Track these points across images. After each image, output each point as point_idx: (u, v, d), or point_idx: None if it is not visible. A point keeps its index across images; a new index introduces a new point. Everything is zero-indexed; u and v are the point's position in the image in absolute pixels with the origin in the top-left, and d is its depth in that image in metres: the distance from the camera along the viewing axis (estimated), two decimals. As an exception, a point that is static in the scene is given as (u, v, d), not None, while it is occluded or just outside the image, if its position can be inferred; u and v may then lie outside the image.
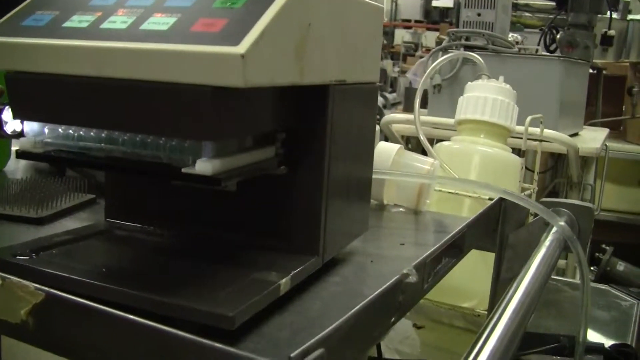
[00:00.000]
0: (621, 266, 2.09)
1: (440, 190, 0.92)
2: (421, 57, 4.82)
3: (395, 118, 1.58)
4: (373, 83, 0.57)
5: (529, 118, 0.91)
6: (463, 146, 0.97)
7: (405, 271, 0.46)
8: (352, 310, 0.41)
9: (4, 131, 0.46)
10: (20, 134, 0.44)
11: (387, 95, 3.91)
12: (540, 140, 0.97)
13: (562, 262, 1.57)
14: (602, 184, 2.07)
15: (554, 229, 0.64)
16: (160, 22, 0.40)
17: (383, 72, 5.48)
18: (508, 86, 0.99)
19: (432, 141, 1.55)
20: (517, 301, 0.54)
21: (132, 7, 0.42)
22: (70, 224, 0.62)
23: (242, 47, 0.36)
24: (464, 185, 0.71)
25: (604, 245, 2.14)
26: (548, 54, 1.93)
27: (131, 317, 0.36)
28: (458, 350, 0.96)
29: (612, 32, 2.46)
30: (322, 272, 0.52)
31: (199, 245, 0.53)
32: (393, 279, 0.46)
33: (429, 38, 7.37)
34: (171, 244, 0.52)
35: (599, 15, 2.30)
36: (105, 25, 0.41)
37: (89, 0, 0.44)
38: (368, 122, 0.58)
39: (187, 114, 0.39)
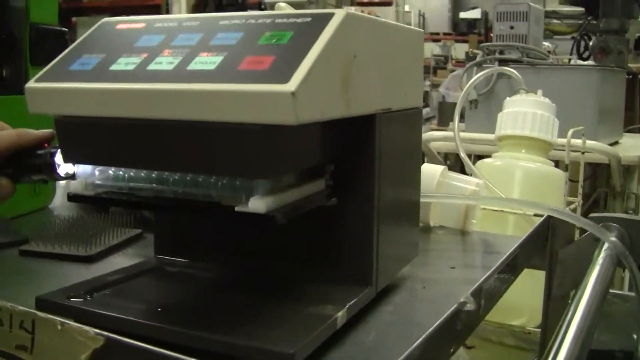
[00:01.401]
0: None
1: (484, 208, 0.91)
2: (452, 70, 4.78)
3: (434, 136, 1.57)
4: (417, 108, 0.57)
5: (570, 131, 0.90)
6: (505, 162, 0.96)
7: (462, 299, 0.45)
8: (415, 343, 0.40)
9: (57, 174, 0.46)
10: (72, 176, 0.44)
11: (420, 110, 3.89)
12: (583, 152, 0.96)
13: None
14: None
15: (606, 245, 0.62)
16: (207, 61, 0.40)
17: (413, 86, 5.44)
18: (547, 100, 0.98)
19: (470, 157, 1.54)
20: (579, 321, 0.53)
21: (178, 47, 0.42)
22: (119, 260, 0.63)
23: (292, 85, 0.36)
24: (511, 204, 0.70)
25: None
26: (584, 63, 1.90)
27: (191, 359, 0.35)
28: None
29: (645, 36, 2.42)
30: (375, 300, 0.51)
31: (250, 278, 0.52)
32: (452, 309, 0.45)
33: (459, 50, 7.34)
34: (222, 279, 0.52)
35: (632, 20, 2.26)
36: (152, 66, 0.41)
37: (135, 41, 0.45)
38: (414, 146, 0.57)
39: (238, 153, 0.39)
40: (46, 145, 0.48)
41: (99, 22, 0.48)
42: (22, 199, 0.76)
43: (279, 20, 0.42)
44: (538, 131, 0.95)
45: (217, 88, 0.38)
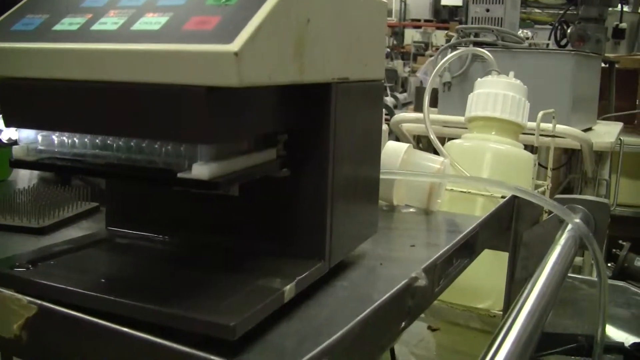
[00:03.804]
0: (639, 262, 2.05)
1: (452, 190, 0.90)
2: (431, 56, 4.79)
3: (405, 117, 1.56)
4: (378, 80, 0.56)
5: (540, 113, 0.89)
6: (474, 144, 0.95)
7: (414, 275, 0.44)
8: (358, 318, 0.39)
9: (0, 140, 0.45)
10: (15, 142, 0.43)
11: (398, 95, 3.88)
12: (553, 136, 0.95)
13: (578, 260, 1.55)
14: (617, 179, 2.04)
15: (569, 227, 0.62)
16: (152, 21, 0.39)
17: (394, 72, 5.46)
18: (518, 81, 0.97)
19: (443, 140, 1.53)
20: (533, 302, 0.53)
21: (124, 8, 0.41)
22: (72, 233, 0.61)
23: (235, 45, 0.34)
24: (475, 184, 0.69)
25: (621, 241, 2.10)
26: (558, 49, 1.89)
27: (125, 329, 0.34)
28: (474, 352, 0.94)
29: (623, 25, 2.43)
30: (330, 276, 0.50)
31: (201, 251, 0.51)
32: (401, 283, 0.44)
33: (439, 37, 7.35)
34: (173, 252, 0.51)
35: (610, 9, 2.27)
36: (96, 27, 0.40)
37: (81, 2, 0.43)
38: (374, 120, 0.56)
39: (181, 117, 0.37)
40: None
41: (46, -16, 0.47)
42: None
43: (230, -18, 0.41)
44: (509, 113, 0.94)
45: (160, 48, 0.36)
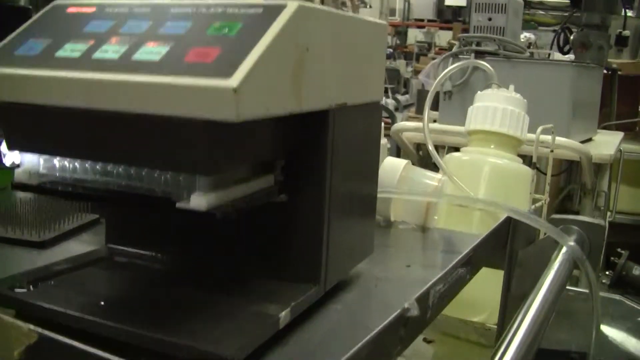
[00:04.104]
0: (637, 270, 2.06)
1: (450, 202, 0.91)
2: (433, 58, 4.78)
3: (406, 126, 1.57)
4: (377, 102, 0.56)
5: (539, 129, 0.90)
6: (472, 157, 0.96)
7: (406, 305, 0.45)
8: (350, 352, 0.39)
9: (3, 163, 0.45)
10: (19, 165, 0.43)
11: (400, 97, 3.88)
12: (552, 150, 0.96)
13: (576, 272, 1.55)
14: (617, 187, 2.04)
15: (564, 249, 0.62)
16: (152, 51, 0.39)
17: (396, 72, 5.46)
18: (518, 95, 0.98)
19: (444, 148, 1.54)
20: (527, 326, 0.53)
21: (126, 35, 0.41)
22: (73, 246, 0.62)
23: (234, 80, 0.35)
24: (472, 203, 0.69)
25: (619, 249, 2.11)
26: (559, 60, 1.89)
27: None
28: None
29: (626, 33, 2.43)
30: (325, 297, 0.50)
31: (199, 271, 0.52)
32: (394, 314, 0.44)
33: (442, 37, 7.35)
34: (171, 272, 0.51)
35: (614, 15, 2.26)
36: (98, 54, 0.40)
37: (83, 26, 0.43)
38: (372, 141, 0.56)
39: (179, 147, 0.38)
40: None
41: (51, 5, 0.47)
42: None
43: (230, 10, 0.41)
44: (508, 127, 0.95)
45: (159, 80, 0.37)
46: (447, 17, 8.28)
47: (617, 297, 1.18)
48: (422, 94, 3.13)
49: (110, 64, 0.39)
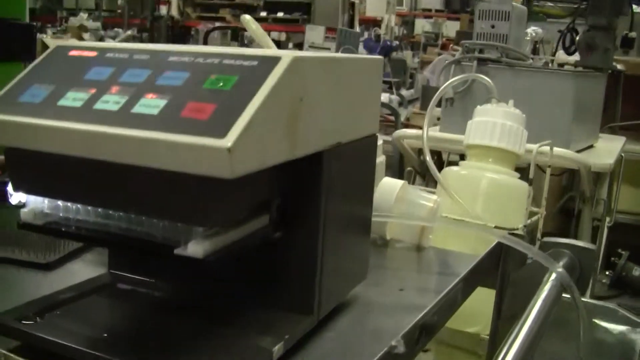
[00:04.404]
0: (637, 271, 2.07)
1: (447, 216, 0.93)
2: (439, 53, 4.77)
3: (407, 134, 1.58)
4: (372, 135, 0.58)
5: (536, 147, 0.91)
6: (470, 172, 0.97)
7: (393, 343, 0.47)
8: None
9: (9, 202, 0.47)
10: (24, 205, 0.45)
11: (404, 92, 3.89)
12: (549, 166, 0.97)
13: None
14: (618, 187, 2.04)
15: (554, 275, 0.64)
16: (151, 104, 0.41)
17: (402, 63, 5.46)
18: (517, 111, 0.99)
19: (447, 155, 1.55)
20: (516, 349, 0.55)
21: (125, 85, 0.43)
22: (77, 268, 0.64)
23: (228, 140, 0.37)
24: (464, 228, 0.71)
25: (620, 250, 2.13)
26: (561, 69, 1.88)
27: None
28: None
29: (633, 34, 2.42)
30: (319, 323, 0.52)
31: (197, 301, 0.53)
32: (380, 353, 0.46)
33: (450, 28, 7.33)
34: (170, 301, 0.53)
35: (620, 16, 2.26)
36: (99, 105, 0.42)
37: (84, 74, 0.45)
38: (366, 172, 0.58)
39: (175, 199, 0.40)
40: (0, 172, 0.49)
41: (53, 47, 0.49)
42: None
43: (226, 62, 0.43)
44: (506, 142, 0.96)
45: (156, 137, 0.38)
46: (455, 7, 8.26)
47: (612, 305, 1.19)
48: (426, 90, 3.14)
49: (111, 116, 0.41)
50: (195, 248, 0.40)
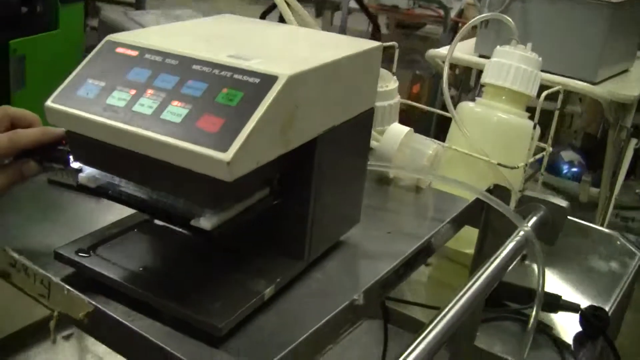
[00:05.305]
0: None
1: (455, 149, 1.04)
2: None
3: (439, 53, 1.65)
4: (368, 109, 0.68)
5: (543, 94, 0.99)
6: (482, 110, 1.07)
7: (355, 296, 0.60)
8: (307, 333, 0.55)
9: (70, 167, 0.61)
10: (81, 170, 0.60)
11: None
12: (557, 108, 1.05)
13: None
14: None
15: (522, 232, 0.75)
16: (175, 112, 0.52)
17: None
18: (534, 54, 1.06)
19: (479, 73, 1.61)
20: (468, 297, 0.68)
21: (158, 89, 0.54)
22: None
23: (228, 155, 0.49)
24: (450, 184, 0.82)
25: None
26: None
27: (137, 330, 0.53)
28: (455, 284, 1.11)
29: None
30: (309, 265, 0.65)
31: (208, 248, 0.66)
32: (341, 307, 0.60)
33: None
34: (192, 242, 0.67)
35: None
36: (137, 107, 0.54)
37: (126, 73, 0.57)
38: (361, 142, 0.69)
39: (190, 187, 0.53)
40: (64, 142, 0.62)
41: (104, 40, 0.60)
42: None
43: (237, 77, 0.54)
44: (518, 85, 1.05)
45: (177, 144, 0.50)
46: None
47: (615, 233, 1.30)
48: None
49: (144, 120, 0.53)
50: (205, 222, 0.53)
